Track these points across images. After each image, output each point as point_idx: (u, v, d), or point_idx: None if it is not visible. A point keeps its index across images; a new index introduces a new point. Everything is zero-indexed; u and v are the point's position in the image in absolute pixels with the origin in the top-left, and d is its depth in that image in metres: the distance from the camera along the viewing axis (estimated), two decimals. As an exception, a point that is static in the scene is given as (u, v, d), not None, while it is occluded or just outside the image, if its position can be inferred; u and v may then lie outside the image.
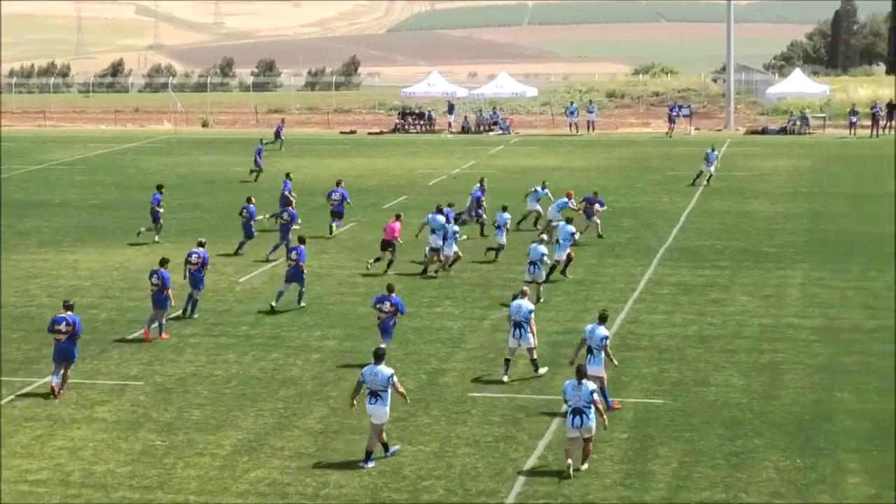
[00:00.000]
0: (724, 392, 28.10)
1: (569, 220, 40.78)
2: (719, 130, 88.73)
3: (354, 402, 24.37)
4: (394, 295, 30.67)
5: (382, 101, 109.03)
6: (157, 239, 46.76)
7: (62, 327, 28.46)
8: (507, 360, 29.37)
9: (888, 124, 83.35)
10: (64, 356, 28.48)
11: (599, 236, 46.41)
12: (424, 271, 40.86)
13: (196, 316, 35.35)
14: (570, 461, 23.13)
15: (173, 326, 33.99)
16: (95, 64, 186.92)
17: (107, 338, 33.24)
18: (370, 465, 23.66)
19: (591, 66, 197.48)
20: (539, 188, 49.35)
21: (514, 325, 29.11)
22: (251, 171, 63.72)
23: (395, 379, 23.95)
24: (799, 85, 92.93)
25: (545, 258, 36.59)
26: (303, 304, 36.36)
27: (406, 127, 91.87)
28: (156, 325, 33.39)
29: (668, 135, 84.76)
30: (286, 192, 49.79)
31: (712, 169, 60.31)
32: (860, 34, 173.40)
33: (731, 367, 30.01)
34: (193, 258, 35.34)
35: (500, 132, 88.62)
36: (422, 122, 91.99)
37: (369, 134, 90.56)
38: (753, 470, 23.34)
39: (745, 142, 79.34)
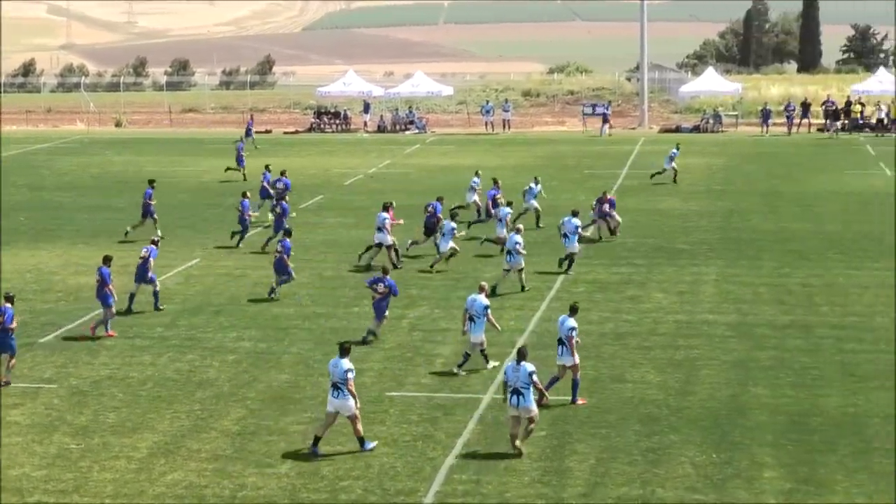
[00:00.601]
0: (641, 389, 28.29)
1: (574, 213, 41.02)
2: (633, 129, 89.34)
3: None
4: (388, 277, 32.21)
5: (298, 100, 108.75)
6: (158, 233, 45.88)
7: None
8: (468, 354, 29.75)
9: (801, 122, 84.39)
10: (1, 347, 29.02)
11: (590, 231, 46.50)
12: (360, 258, 41.70)
13: (162, 307, 36.13)
14: (511, 434, 23.94)
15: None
16: (6, 64, 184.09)
17: (20, 340, 32.71)
18: (317, 450, 24.15)
19: (507, 65, 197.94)
20: (533, 185, 49.45)
21: (469, 318, 29.41)
22: (232, 169, 63.27)
23: (351, 376, 24.02)
24: (712, 83, 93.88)
25: (518, 247, 37.19)
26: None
27: (321, 126, 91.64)
28: (101, 323, 33.49)
29: (602, 134, 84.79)
30: (265, 185, 50.84)
31: (673, 166, 60.36)
32: (772, 33, 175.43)
33: (647, 364, 30.22)
34: (143, 252, 35.98)
35: (416, 131, 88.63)
36: (337, 122, 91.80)
37: (285, 133, 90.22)
38: (670, 465, 23.51)
39: (659, 140, 79.86)
